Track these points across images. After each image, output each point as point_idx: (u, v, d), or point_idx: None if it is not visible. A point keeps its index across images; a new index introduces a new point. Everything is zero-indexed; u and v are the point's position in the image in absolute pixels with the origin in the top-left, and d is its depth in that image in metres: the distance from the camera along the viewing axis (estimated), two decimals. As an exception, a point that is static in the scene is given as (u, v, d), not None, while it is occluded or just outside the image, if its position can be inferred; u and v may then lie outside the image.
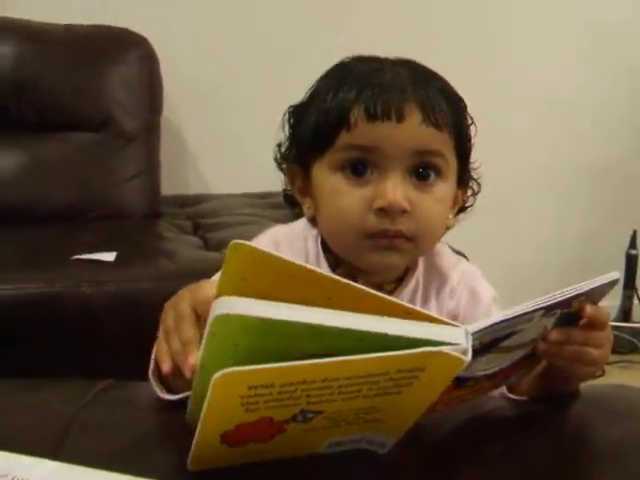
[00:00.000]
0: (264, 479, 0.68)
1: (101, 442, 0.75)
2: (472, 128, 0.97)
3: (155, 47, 2.26)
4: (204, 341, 0.60)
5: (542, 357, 0.79)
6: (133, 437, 0.75)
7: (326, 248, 0.97)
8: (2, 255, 1.75)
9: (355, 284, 0.61)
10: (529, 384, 0.86)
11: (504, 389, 0.87)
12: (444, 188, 0.92)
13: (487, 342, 0.66)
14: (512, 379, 0.84)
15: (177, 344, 0.72)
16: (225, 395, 0.58)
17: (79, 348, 1.59)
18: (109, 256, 1.71)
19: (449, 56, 2.12)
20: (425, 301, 0.97)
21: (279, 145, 1.00)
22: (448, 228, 0.97)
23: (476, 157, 0.98)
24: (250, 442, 0.65)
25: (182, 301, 0.75)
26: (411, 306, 0.62)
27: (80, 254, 1.71)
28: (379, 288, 0.91)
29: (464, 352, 0.61)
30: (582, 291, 0.71)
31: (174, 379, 0.76)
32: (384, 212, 0.88)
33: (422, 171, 0.90)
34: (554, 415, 0.84)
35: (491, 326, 0.65)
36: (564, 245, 2.85)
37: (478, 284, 0.99)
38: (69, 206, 2.11)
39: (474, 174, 0.99)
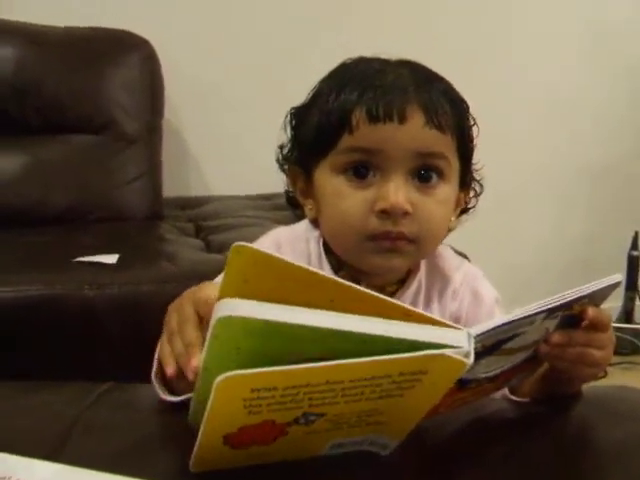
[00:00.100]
0: (266, 481, 0.69)
1: (103, 444, 0.75)
2: (474, 129, 0.97)
3: (156, 49, 2.26)
4: (207, 343, 0.60)
5: (544, 359, 0.79)
6: (135, 439, 0.75)
7: (328, 250, 0.97)
8: (3, 257, 1.75)
9: (357, 286, 0.61)
10: (531, 386, 0.86)
11: (506, 391, 0.87)
12: (446, 190, 0.92)
13: (489, 345, 0.66)
14: (514, 381, 0.84)
15: (180, 346, 0.73)
16: (228, 398, 0.58)
17: (80, 350, 1.59)
18: (111, 258, 1.71)
19: (449, 56, 2.12)
20: (427, 303, 0.97)
21: (281, 146, 0.99)
22: (450, 230, 0.97)
23: (476, 157, 0.98)
24: (253, 444, 0.65)
25: (185, 303, 0.75)
26: (413, 308, 0.62)
27: (82, 256, 1.71)
28: (381, 290, 0.91)
29: (466, 355, 0.61)
30: (584, 293, 0.71)
31: (177, 381, 0.76)
32: (386, 214, 0.88)
33: (424, 173, 0.90)
34: (556, 417, 0.84)
35: (493, 329, 0.65)
36: (565, 246, 2.85)
37: (481, 285, 0.99)
38: (70, 208, 2.11)
39: (476, 175, 0.99)
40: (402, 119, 0.87)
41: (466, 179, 0.97)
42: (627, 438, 0.80)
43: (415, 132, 0.88)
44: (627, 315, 2.70)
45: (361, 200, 0.89)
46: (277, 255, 0.59)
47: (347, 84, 0.90)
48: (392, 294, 0.95)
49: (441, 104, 0.89)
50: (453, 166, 0.92)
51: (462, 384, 0.68)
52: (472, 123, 0.96)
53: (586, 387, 0.87)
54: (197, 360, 0.68)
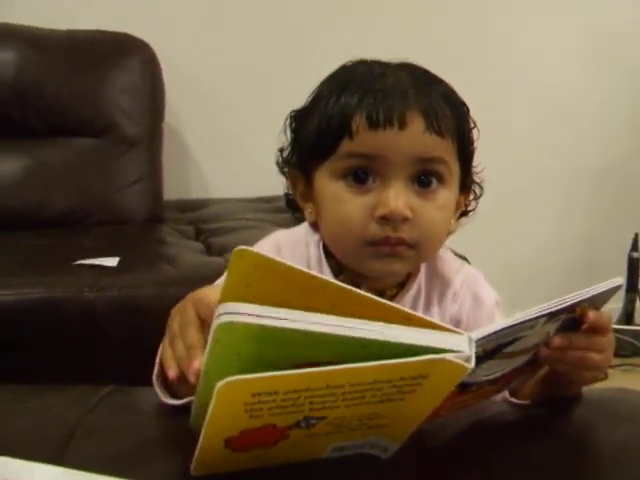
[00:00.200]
0: (267, 484, 0.69)
1: (105, 447, 0.75)
2: (474, 132, 0.97)
3: (157, 52, 2.26)
4: (208, 348, 0.60)
5: (545, 362, 0.80)
6: (137, 442, 0.75)
7: (328, 253, 0.97)
8: (4, 260, 1.76)
9: (358, 290, 0.61)
10: (531, 388, 0.86)
11: (506, 393, 0.87)
12: (446, 195, 0.92)
13: (490, 349, 0.66)
14: (514, 383, 0.84)
15: (182, 349, 0.73)
16: (229, 402, 0.58)
17: (81, 353, 1.59)
18: (111, 261, 1.71)
19: (450, 58, 2.13)
20: (427, 307, 0.97)
21: (281, 149, 0.99)
22: (450, 233, 0.97)
23: (477, 159, 0.98)
24: (254, 448, 0.65)
25: (187, 306, 0.75)
26: (414, 312, 0.62)
27: (82, 259, 1.71)
28: (381, 294, 0.92)
29: (467, 359, 0.61)
30: (585, 297, 0.71)
31: (178, 384, 0.76)
32: (386, 220, 0.88)
33: (424, 178, 0.90)
34: (556, 419, 0.84)
35: (494, 333, 0.65)
36: (565, 247, 2.85)
37: (481, 288, 0.98)
38: (71, 211, 2.11)
39: (476, 178, 0.99)
40: (402, 125, 0.87)
41: (466, 182, 0.96)
42: (627, 440, 0.80)
43: (415, 138, 0.88)
44: (627, 317, 2.71)
45: (361, 206, 0.89)
46: (279, 259, 0.59)
47: (347, 87, 0.90)
48: (392, 298, 0.95)
49: (441, 108, 0.89)
50: (453, 170, 0.92)
51: (463, 387, 0.68)
52: (472, 126, 0.96)
53: (586, 389, 0.87)
54: (198, 362, 0.68)
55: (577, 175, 2.81)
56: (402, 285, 0.97)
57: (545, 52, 2.69)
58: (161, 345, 0.79)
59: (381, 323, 0.60)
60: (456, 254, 1.05)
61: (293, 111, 0.98)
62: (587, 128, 2.79)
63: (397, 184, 0.88)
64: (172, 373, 0.73)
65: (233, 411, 0.60)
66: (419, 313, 0.63)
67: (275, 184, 1.03)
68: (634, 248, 2.69)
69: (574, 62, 2.74)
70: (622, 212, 2.84)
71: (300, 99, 0.97)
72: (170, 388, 0.81)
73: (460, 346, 0.61)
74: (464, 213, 1.00)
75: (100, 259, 1.71)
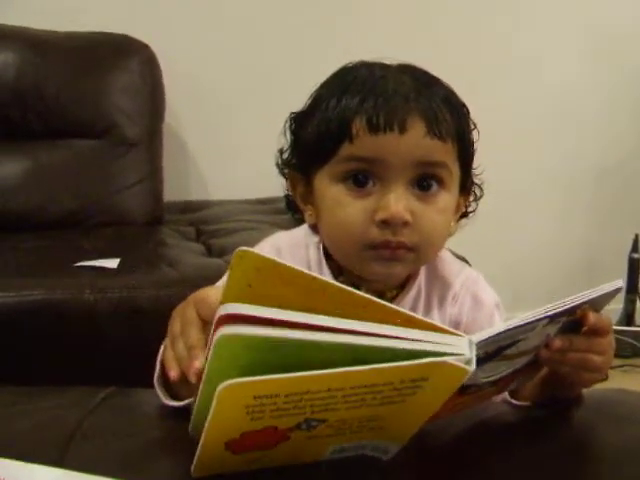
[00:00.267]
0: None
1: (105, 449, 0.75)
2: (474, 133, 0.96)
3: (156, 53, 2.26)
4: (209, 358, 0.60)
5: (545, 364, 0.80)
6: (137, 444, 0.75)
7: (328, 255, 0.97)
8: (5, 262, 1.76)
9: (360, 292, 0.61)
10: (531, 390, 0.86)
11: (506, 395, 0.87)
12: (446, 198, 0.91)
13: (491, 351, 0.66)
14: (514, 384, 0.84)
15: (182, 349, 0.73)
16: (230, 405, 0.58)
17: (81, 355, 1.59)
18: (112, 263, 1.71)
19: (449, 58, 2.13)
20: (428, 309, 0.97)
21: (281, 151, 0.99)
22: (450, 234, 0.96)
23: (477, 160, 0.98)
24: (254, 449, 0.65)
25: (188, 307, 0.75)
26: (415, 315, 0.62)
27: (83, 261, 1.71)
28: (381, 295, 0.91)
29: (468, 362, 0.61)
30: (586, 299, 0.71)
31: (180, 385, 0.76)
32: (386, 224, 0.87)
33: (424, 182, 0.89)
34: (556, 420, 0.84)
35: (495, 336, 0.65)
36: (566, 248, 2.85)
37: (481, 290, 0.98)
38: (71, 213, 2.11)
39: (476, 179, 0.99)
40: (403, 129, 0.87)
41: (466, 183, 0.96)
42: (627, 441, 0.80)
43: (416, 142, 0.87)
44: (628, 318, 2.70)
45: (361, 209, 0.88)
46: (280, 261, 0.59)
47: (348, 90, 0.90)
48: (392, 299, 0.95)
49: (442, 112, 0.89)
50: (453, 173, 0.92)
51: (463, 389, 0.68)
52: (472, 127, 0.96)
53: (586, 390, 0.87)
54: (199, 362, 0.68)
55: (578, 176, 2.81)
56: (402, 287, 0.97)
57: (545, 52, 2.69)
58: (162, 346, 0.79)
59: (382, 325, 0.60)
60: (456, 255, 1.05)
61: (293, 113, 0.98)
62: (587, 128, 2.79)
63: (397, 188, 0.88)
64: (173, 374, 0.73)
65: (234, 413, 0.60)
66: (419, 315, 0.63)
67: (275, 186, 1.03)
68: (634, 249, 2.69)
69: (574, 62, 2.74)
70: (622, 213, 2.84)
71: (300, 99, 0.97)
72: (171, 389, 0.81)
73: (461, 349, 0.61)
74: (464, 214, 1.00)
75: (100, 261, 1.71)
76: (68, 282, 1.62)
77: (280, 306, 0.58)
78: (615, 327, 0.96)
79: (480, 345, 0.63)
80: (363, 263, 0.91)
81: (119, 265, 1.71)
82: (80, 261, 1.71)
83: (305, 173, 0.95)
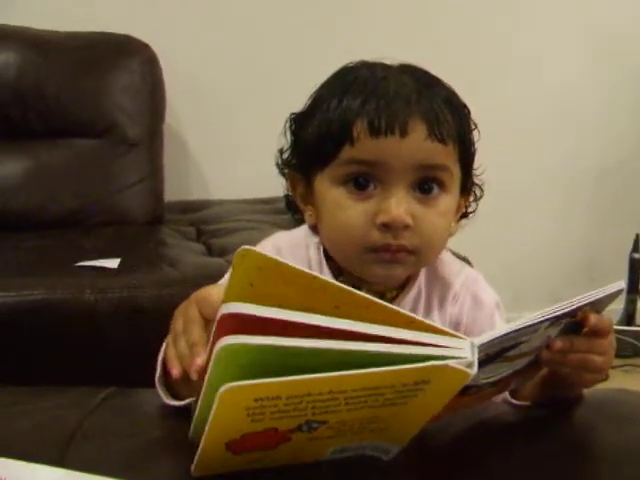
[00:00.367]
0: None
1: (106, 448, 0.75)
2: (475, 133, 0.96)
3: (157, 53, 2.26)
4: (210, 366, 0.60)
5: (546, 365, 0.80)
6: (138, 444, 0.75)
7: (328, 256, 0.97)
8: (5, 262, 1.76)
9: (362, 293, 0.61)
10: (532, 389, 0.86)
11: (507, 394, 0.87)
12: (447, 201, 0.91)
13: (493, 353, 0.66)
14: (514, 384, 0.84)
15: (184, 347, 0.73)
16: (231, 407, 0.59)
17: (81, 355, 1.59)
18: (112, 263, 1.71)
19: (450, 58, 2.13)
20: (428, 310, 0.97)
21: (281, 151, 0.99)
22: (451, 235, 0.96)
23: (478, 160, 0.97)
24: (255, 450, 0.66)
25: (191, 305, 0.75)
26: (416, 316, 0.62)
27: (83, 261, 1.71)
28: (381, 296, 0.91)
29: (470, 365, 0.61)
30: (588, 301, 0.71)
31: (181, 384, 0.77)
32: (387, 227, 0.87)
33: (425, 185, 0.89)
34: (557, 420, 0.84)
35: (497, 338, 0.65)
36: (566, 248, 2.85)
37: (481, 289, 0.98)
38: (72, 212, 2.12)
39: (477, 180, 0.99)
40: (404, 132, 0.86)
41: (467, 184, 0.96)
42: (627, 441, 0.80)
43: (417, 145, 0.87)
44: (628, 318, 2.70)
45: (361, 212, 0.88)
46: (283, 260, 0.59)
47: (349, 90, 0.90)
48: (392, 300, 0.95)
49: (443, 114, 0.89)
50: (454, 176, 0.92)
51: (463, 390, 0.68)
52: (473, 128, 0.96)
53: (587, 390, 0.87)
54: (201, 360, 0.68)
55: (578, 176, 2.81)
56: (402, 287, 0.97)
57: (545, 52, 2.69)
58: (164, 344, 0.79)
59: (384, 327, 0.59)
60: (457, 256, 1.05)
61: (293, 113, 0.98)
62: (588, 128, 2.79)
63: (398, 191, 0.88)
64: (175, 372, 0.73)
65: (235, 415, 0.60)
66: (420, 315, 0.63)
67: (275, 185, 1.03)
68: (635, 249, 2.69)
69: (574, 62, 2.74)
70: (623, 213, 2.84)
71: (300, 99, 0.97)
72: (172, 389, 0.81)
73: (463, 352, 0.61)
74: (464, 215, 1.00)
75: (101, 260, 1.71)
76: (68, 282, 1.62)
77: (281, 305, 0.58)
78: (616, 327, 0.95)
79: (482, 348, 0.63)
80: (363, 265, 0.91)
81: (120, 265, 1.71)
82: (81, 261, 1.71)
83: (305, 174, 0.95)
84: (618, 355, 0.84)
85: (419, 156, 0.88)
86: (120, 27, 2.25)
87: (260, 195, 2.34)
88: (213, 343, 0.60)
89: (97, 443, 0.76)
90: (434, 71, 0.95)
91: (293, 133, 0.97)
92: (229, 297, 0.59)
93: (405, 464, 0.73)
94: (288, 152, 0.98)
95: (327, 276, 0.95)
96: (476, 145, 0.96)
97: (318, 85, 0.96)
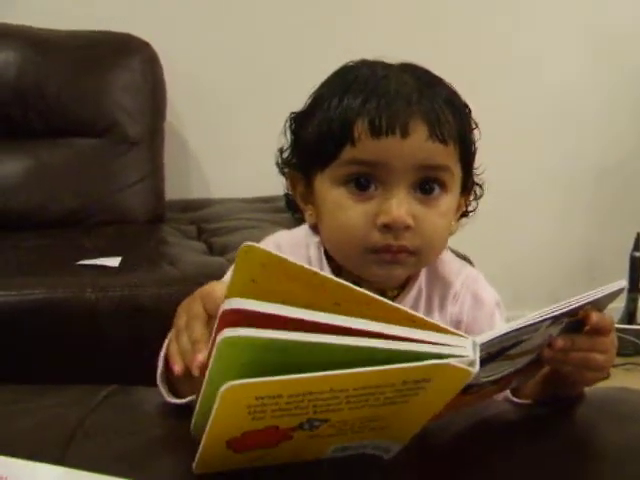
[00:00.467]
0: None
1: (107, 447, 0.75)
2: (475, 132, 0.96)
3: (158, 52, 2.27)
4: (211, 360, 0.60)
5: (548, 363, 0.80)
6: (139, 442, 0.75)
7: (329, 256, 0.96)
8: (6, 261, 1.76)
9: (363, 290, 0.61)
10: (533, 388, 0.86)
11: (508, 393, 0.87)
12: (448, 201, 0.91)
13: (494, 352, 0.66)
14: (515, 383, 0.84)
15: (186, 342, 0.73)
16: (232, 405, 0.59)
17: (82, 353, 1.59)
18: (113, 261, 1.71)
19: (450, 57, 2.13)
20: (429, 309, 0.96)
21: (281, 150, 0.99)
22: (451, 234, 0.96)
23: (478, 160, 0.97)
24: (256, 448, 0.66)
25: (194, 301, 0.75)
26: (417, 314, 0.62)
27: (84, 260, 1.71)
28: (382, 294, 0.91)
29: (471, 364, 0.61)
30: (589, 300, 0.72)
31: (183, 381, 0.76)
32: (388, 228, 0.87)
33: (426, 185, 0.89)
34: (558, 418, 0.84)
35: (499, 337, 0.65)
36: (567, 247, 2.85)
37: (481, 288, 0.98)
38: (73, 211, 2.12)
39: (477, 179, 0.98)
40: (405, 133, 0.86)
41: (467, 184, 0.96)
42: (629, 439, 0.80)
43: (418, 145, 0.87)
44: (630, 316, 2.70)
45: (362, 213, 0.88)
46: (285, 257, 0.59)
47: (349, 89, 0.89)
48: (393, 299, 0.94)
49: (444, 114, 0.88)
50: (455, 175, 0.91)
51: (464, 389, 0.68)
52: (474, 127, 0.96)
53: (588, 388, 0.87)
54: (202, 356, 0.67)
55: (578, 176, 2.81)
56: (402, 287, 0.97)
57: (545, 52, 2.69)
58: (166, 341, 0.79)
59: (386, 325, 0.59)
60: (458, 254, 1.04)
61: (293, 113, 0.97)
62: (588, 128, 2.79)
63: (399, 192, 0.87)
64: (178, 368, 0.73)
65: (236, 414, 0.60)
66: (420, 314, 0.63)
67: (276, 184, 1.03)
68: (636, 248, 2.69)
69: (574, 62, 2.74)
70: (623, 212, 2.84)
71: (300, 99, 0.97)
72: (173, 387, 0.81)
73: (464, 350, 0.61)
74: (464, 214, 1.00)
75: (102, 259, 1.72)
76: (69, 281, 1.62)
77: (284, 302, 0.58)
78: (617, 326, 0.96)
79: (483, 346, 0.63)
80: (364, 266, 0.91)
81: (120, 264, 1.71)
82: (81, 260, 1.71)
83: (305, 173, 0.95)
84: (619, 354, 0.84)
85: (420, 157, 0.87)
86: (121, 26, 2.25)
87: (260, 194, 2.34)
88: (215, 338, 0.60)
89: (98, 441, 0.76)
90: (434, 71, 0.95)
91: (293, 132, 0.97)
92: (231, 293, 0.59)
93: (406, 463, 0.73)
94: (288, 151, 0.98)
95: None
96: (476, 145, 0.96)
97: (318, 84, 0.96)
